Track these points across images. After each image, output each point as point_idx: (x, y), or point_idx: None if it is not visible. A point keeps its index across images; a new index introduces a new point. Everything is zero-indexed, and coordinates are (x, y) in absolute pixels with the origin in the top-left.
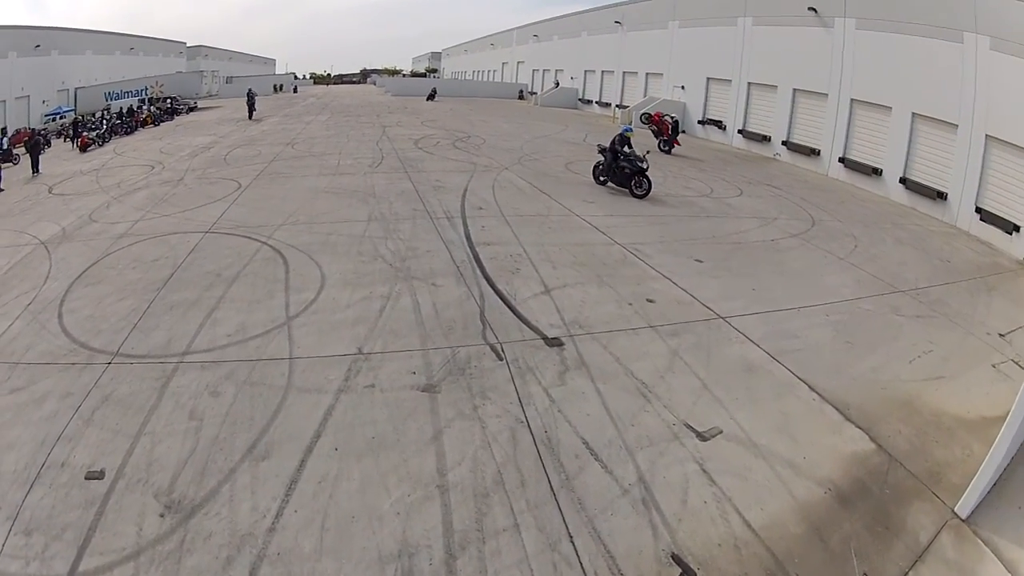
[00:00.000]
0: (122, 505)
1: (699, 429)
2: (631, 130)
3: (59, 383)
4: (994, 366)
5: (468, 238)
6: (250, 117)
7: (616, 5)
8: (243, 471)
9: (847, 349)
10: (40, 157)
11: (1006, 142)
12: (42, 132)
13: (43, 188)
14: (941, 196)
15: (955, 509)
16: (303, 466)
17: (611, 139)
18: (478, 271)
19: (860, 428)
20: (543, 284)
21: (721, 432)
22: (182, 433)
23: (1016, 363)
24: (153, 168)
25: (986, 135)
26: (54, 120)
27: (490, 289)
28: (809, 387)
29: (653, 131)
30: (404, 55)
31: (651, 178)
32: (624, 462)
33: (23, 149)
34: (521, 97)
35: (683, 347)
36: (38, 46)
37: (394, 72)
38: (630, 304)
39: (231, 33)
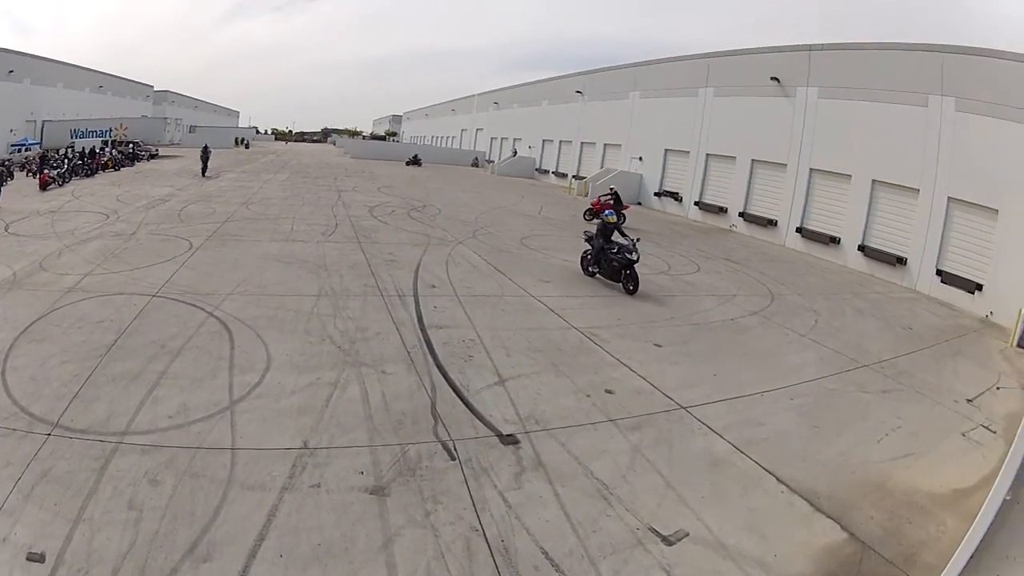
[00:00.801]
0: None
1: (664, 533)
2: (613, 215)
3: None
4: (963, 435)
5: (420, 319)
6: (203, 174)
7: (578, 74)
8: (184, 572)
9: (814, 434)
10: (3, 189)
11: (968, 202)
12: (6, 163)
13: (0, 224)
14: (900, 261)
15: None
16: (247, 572)
17: (597, 226)
18: (430, 358)
19: (831, 518)
20: (497, 373)
21: (687, 535)
22: (122, 523)
23: (986, 428)
24: (108, 217)
25: (948, 197)
26: (19, 151)
27: (442, 378)
28: (776, 479)
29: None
30: (366, 115)
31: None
32: (587, 572)
33: None
34: (475, 165)
35: (644, 443)
36: (12, 71)
37: (354, 133)
38: (588, 396)
39: (201, 79)
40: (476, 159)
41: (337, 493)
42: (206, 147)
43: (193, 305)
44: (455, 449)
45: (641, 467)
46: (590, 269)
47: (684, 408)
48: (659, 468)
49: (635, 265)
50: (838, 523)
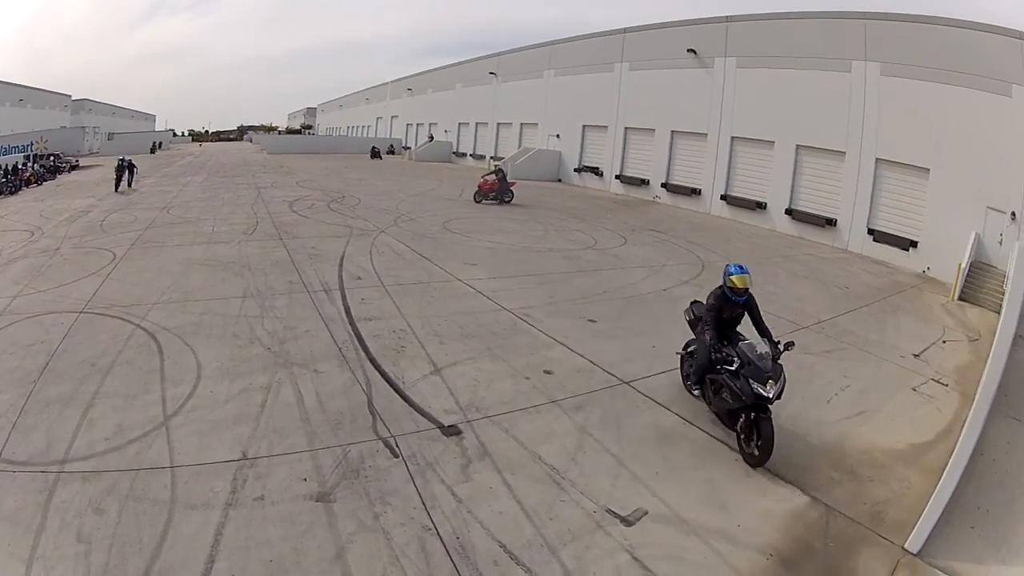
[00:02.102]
0: None
1: (622, 513)
2: (743, 271)
3: None
4: (914, 389)
5: (348, 313)
6: (116, 189)
7: (491, 56)
8: None
9: None
10: None
11: (897, 163)
12: None
13: None
14: (830, 223)
15: (905, 546)
16: None
17: (707, 297)
18: (361, 352)
19: (791, 483)
20: (432, 363)
21: (647, 513)
22: (73, 558)
23: (936, 381)
24: (33, 234)
25: (876, 158)
26: None
27: (376, 372)
28: (729, 447)
29: (491, 193)
30: (281, 110)
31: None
32: (548, 563)
33: None
34: (375, 155)
35: (591, 422)
36: None
37: (270, 129)
38: (527, 378)
39: (116, 85)
40: (374, 148)
41: (282, 504)
42: (126, 160)
43: (120, 319)
44: (397, 445)
45: (590, 447)
46: (689, 385)
47: (626, 383)
48: (608, 447)
49: (769, 407)
50: (798, 488)
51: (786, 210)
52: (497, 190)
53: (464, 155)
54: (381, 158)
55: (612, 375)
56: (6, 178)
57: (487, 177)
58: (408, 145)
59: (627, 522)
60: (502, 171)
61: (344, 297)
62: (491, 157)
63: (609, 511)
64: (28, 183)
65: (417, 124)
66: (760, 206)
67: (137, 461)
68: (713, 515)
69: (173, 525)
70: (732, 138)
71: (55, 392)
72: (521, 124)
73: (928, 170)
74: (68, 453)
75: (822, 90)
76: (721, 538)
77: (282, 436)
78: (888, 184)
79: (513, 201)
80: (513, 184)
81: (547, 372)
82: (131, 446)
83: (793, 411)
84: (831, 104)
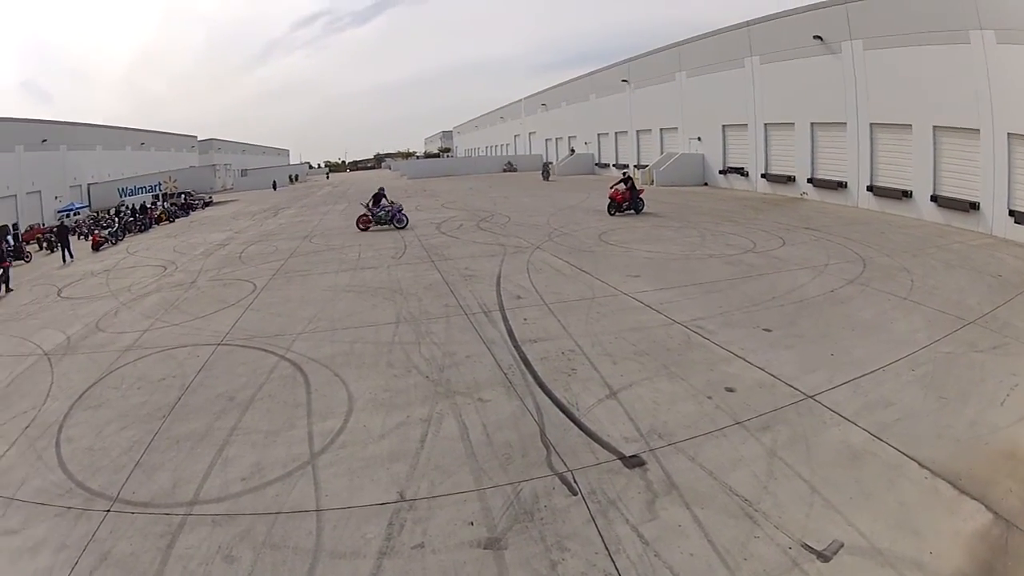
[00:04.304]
0: None
1: (818, 548)
2: None
3: (54, 531)
4: None
5: (511, 335)
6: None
7: (620, 63)
8: None
9: (942, 406)
10: (70, 240)
11: None
12: (64, 224)
13: (52, 290)
14: (974, 207)
15: None
16: None
17: None
18: (529, 376)
19: (975, 499)
20: (606, 385)
21: (842, 546)
22: None
23: None
24: (166, 269)
25: (1008, 133)
26: (68, 216)
27: (547, 399)
28: (919, 464)
29: (624, 204)
30: (415, 134)
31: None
32: None
33: (36, 246)
34: (546, 175)
35: (779, 443)
36: (45, 140)
37: (408, 155)
38: (709, 398)
39: (244, 124)
40: (546, 166)
41: (445, 552)
42: (274, 181)
43: (262, 350)
44: (575, 481)
45: (781, 473)
46: None
47: (811, 397)
48: (799, 471)
49: None
50: (982, 503)
51: (931, 197)
52: (629, 199)
53: (607, 166)
54: (548, 178)
55: (795, 389)
56: (134, 217)
57: (617, 187)
58: (549, 160)
59: (823, 557)
60: (630, 178)
61: (505, 318)
62: (634, 165)
63: (805, 545)
64: (159, 221)
65: (556, 138)
66: (906, 195)
67: (277, 504)
68: (907, 541)
69: None
70: (871, 125)
71: (186, 429)
72: (660, 129)
73: None
74: (197, 495)
75: (946, 64)
76: (915, 567)
77: (445, 474)
78: (1022, 160)
79: (661, 209)
80: (642, 192)
81: (729, 390)
82: (271, 487)
83: (972, 416)
84: (957, 78)
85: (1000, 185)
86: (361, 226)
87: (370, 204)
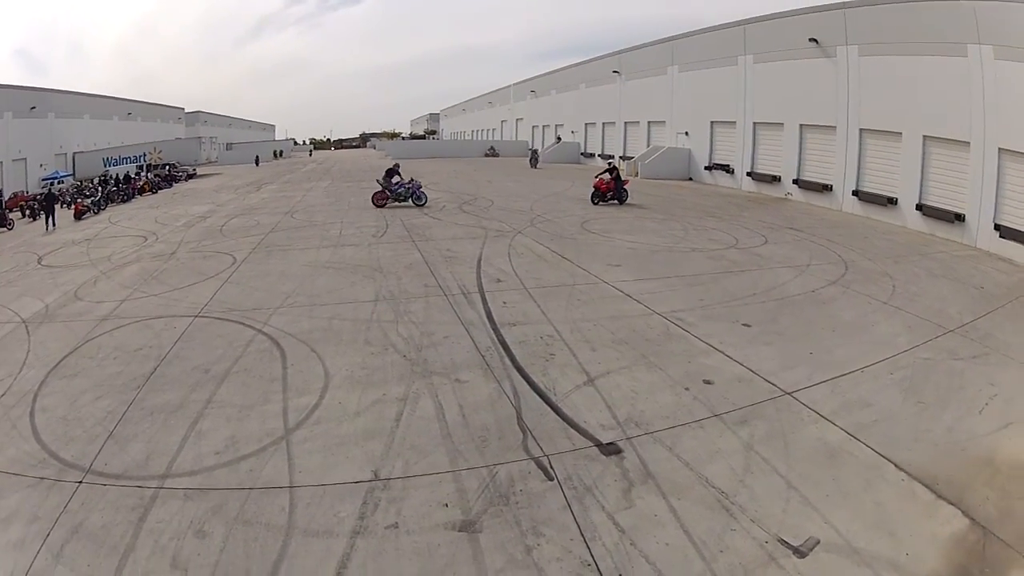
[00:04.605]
0: None
1: (795, 544)
2: None
3: (26, 502)
4: None
5: (490, 317)
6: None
7: (612, 54)
8: None
9: (920, 411)
10: (55, 209)
11: (1019, 152)
12: (51, 192)
13: (32, 258)
14: (959, 218)
15: None
16: None
17: None
18: (507, 359)
19: (952, 504)
20: (584, 372)
21: (819, 542)
22: None
23: None
24: (146, 239)
25: (999, 148)
26: (52, 184)
27: (524, 383)
28: (896, 466)
29: (608, 194)
30: (402, 117)
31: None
32: None
33: (19, 213)
34: (534, 162)
35: (756, 438)
36: (34, 107)
37: (393, 135)
38: (687, 389)
39: (232, 97)
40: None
41: (419, 533)
42: (257, 156)
43: (239, 323)
44: (551, 466)
45: (758, 467)
46: None
47: (789, 394)
48: (776, 466)
49: None
50: (959, 508)
51: (916, 205)
52: (613, 189)
53: (592, 155)
54: (536, 165)
55: (773, 384)
56: (117, 187)
57: (602, 176)
58: (534, 147)
59: (800, 553)
60: (616, 168)
61: (485, 301)
62: (620, 157)
63: (781, 540)
64: (142, 191)
65: (543, 126)
66: (891, 201)
67: (251, 479)
68: (883, 542)
69: (289, 555)
70: (860, 130)
71: (161, 400)
72: (648, 122)
73: None
74: (170, 468)
75: (941, 76)
76: (891, 568)
77: (420, 454)
78: (1011, 176)
79: (645, 201)
80: (627, 183)
81: (707, 382)
82: (244, 462)
83: (950, 422)
84: (951, 91)
85: (987, 198)
86: (378, 203)
87: (384, 180)
